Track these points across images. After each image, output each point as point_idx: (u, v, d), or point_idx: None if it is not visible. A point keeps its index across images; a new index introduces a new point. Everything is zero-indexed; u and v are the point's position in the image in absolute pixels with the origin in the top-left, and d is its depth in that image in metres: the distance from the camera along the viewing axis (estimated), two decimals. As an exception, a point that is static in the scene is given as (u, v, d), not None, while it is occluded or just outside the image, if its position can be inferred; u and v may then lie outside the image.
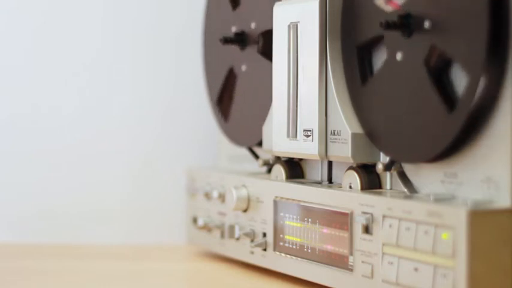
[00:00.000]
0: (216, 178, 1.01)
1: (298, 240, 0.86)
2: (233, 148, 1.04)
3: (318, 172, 0.90)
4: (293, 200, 0.87)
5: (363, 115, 0.81)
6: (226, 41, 0.98)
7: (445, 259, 0.69)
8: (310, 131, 0.85)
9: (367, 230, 0.77)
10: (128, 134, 1.17)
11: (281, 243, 0.88)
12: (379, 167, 0.79)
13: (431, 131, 0.73)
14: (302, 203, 0.85)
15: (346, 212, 0.79)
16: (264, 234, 0.91)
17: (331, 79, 0.83)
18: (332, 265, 0.81)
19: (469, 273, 0.67)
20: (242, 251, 0.95)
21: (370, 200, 0.76)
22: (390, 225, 0.74)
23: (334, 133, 0.83)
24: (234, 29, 0.99)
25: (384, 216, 0.75)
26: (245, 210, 0.94)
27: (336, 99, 0.83)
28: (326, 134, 0.84)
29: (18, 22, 1.15)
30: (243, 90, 0.99)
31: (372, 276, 0.76)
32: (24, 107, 1.15)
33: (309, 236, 0.85)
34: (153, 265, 1.01)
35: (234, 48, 0.99)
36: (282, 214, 0.88)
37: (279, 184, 0.90)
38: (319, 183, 0.89)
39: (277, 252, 0.89)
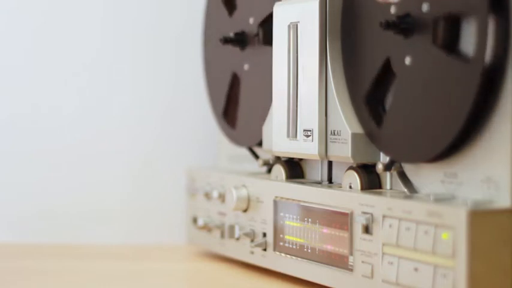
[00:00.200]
0: (216, 178, 1.01)
1: (298, 240, 0.86)
2: (233, 148, 1.04)
3: (318, 172, 0.90)
4: (293, 200, 0.87)
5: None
6: (226, 41, 0.98)
7: (445, 259, 0.69)
8: (310, 131, 0.85)
9: (367, 230, 0.77)
10: (128, 134, 1.17)
11: (281, 243, 0.88)
12: (379, 167, 0.79)
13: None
14: (302, 203, 0.85)
15: (346, 212, 0.79)
16: (264, 234, 0.91)
17: (331, 79, 0.83)
18: (332, 265, 0.81)
19: (469, 273, 0.67)
20: (242, 251, 0.95)
21: (370, 200, 0.76)
22: (390, 225, 0.74)
23: (334, 133, 0.83)
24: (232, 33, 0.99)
25: (383, 216, 0.75)
26: (245, 210, 0.94)
27: (336, 99, 0.83)
28: (326, 134, 0.84)
29: (18, 22, 1.15)
30: (247, 90, 0.99)
31: (372, 276, 0.76)
32: (24, 107, 1.15)
33: (309, 236, 0.85)
34: (153, 265, 1.01)
35: (234, 51, 0.99)
36: (282, 214, 0.88)
37: (279, 184, 0.90)
38: (319, 183, 0.89)
39: (277, 252, 0.89)
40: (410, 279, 0.72)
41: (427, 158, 0.74)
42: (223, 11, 1.02)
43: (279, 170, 0.92)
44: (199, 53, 1.10)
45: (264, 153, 0.96)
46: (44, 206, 1.15)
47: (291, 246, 0.87)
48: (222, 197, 0.98)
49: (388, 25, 0.75)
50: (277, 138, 0.89)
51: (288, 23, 0.87)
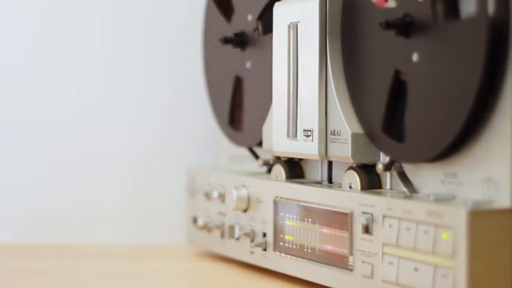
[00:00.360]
0: (216, 178, 1.01)
1: (298, 240, 0.86)
2: (233, 148, 1.04)
3: (318, 172, 0.90)
4: (293, 200, 0.87)
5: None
6: (226, 41, 0.98)
7: (445, 259, 0.69)
8: (310, 131, 0.85)
9: (367, 230, 0.77)
10: (128, 134, 1.17)
11: (281, 243, 0.88)
12: (379, 167, 0.79)
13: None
14: (302, 203, 0.85)
15: (346, 212, 0.79)
16: (264, 234, 0.91)
17: (331, 79, 0.83)
18: (332, 265, 0.81)
19: (469, 273, 0.67)
20: (242, 251, 0.95)
21: (370, 200, 0.76)
22: (390, 225, 0.74)
23: (334, 133, 0.83)
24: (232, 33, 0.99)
25: (383, 216, 0.75)
26: (245, 210, 0.94)
27: (336, 99, 0.83)
28: (326, 134, 0.84)
29: (18, 22, 1.15)
30: (250, 90, 0.99)
31: (372, 276, 0.76)
32: (24, 107, 1.15)
33: (309, 236, 0.85)
34: (153, 265, 1.01)
35: (235, 52, 0.99)
36: (282, 214, 0.88)
37: (279, 184, 0.90)
38: (319, 183, 0.89)
39: (277, 252, 0.89)
40: (410, 279, 0.72)
41: (427, 158, 0.74)
42: (222, 18, 1.02)
43: (279, 170, 0.92)
44: (199, 53, 1.10)
45: (264, 153, 0.96)
46: (44, 206, 1.15)
47: (291, 246, 0.87)
48: (222, 197, 0.98)
49: (388, 25, 0.75)
50: (277, 138, 0.89)
51: (288, 23, 0.87)
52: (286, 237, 0.88)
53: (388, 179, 0.81)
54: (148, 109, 1.17)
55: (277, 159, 0.93)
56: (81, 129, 1.16)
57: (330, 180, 0.88)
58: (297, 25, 0.86)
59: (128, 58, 1.17)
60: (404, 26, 0.75)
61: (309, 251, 0.84)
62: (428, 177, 0.76)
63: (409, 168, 0.78)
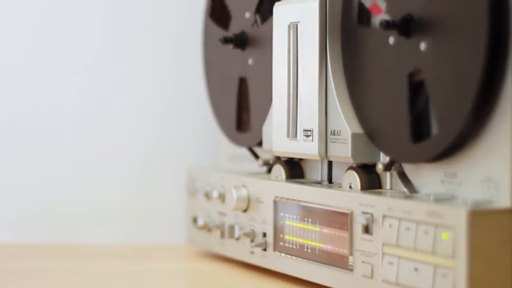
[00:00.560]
0: (216, 178, 1.01)
1: (298, 240, 0.86)
2: (233, 148, 1.04)
3: (318, 172, 0.90)
4: (293, 200, 0.87)
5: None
6: (226, 41, 0.98)
7: (445, 259, 0.69)
8: (310, 131, 0.85)
9: (367, 230, 0.77)
10: (128, 134, 1.17)
11: (281, 243, 0.88)
12: (379, 167, 0.79)
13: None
14: (302, 203, 0.85)
15: (346, 212, 0.79)
16: (264, 234, 0.91)
17: (331, 79, 0.83)
18: (332, 265, 0.81)
19: (469, 273, 0.67)
20: (242, 251, 0.95)
21: (370, 200, 0.76)
22: (390, 225, 0.74)
23: (334, 133, 0.83)
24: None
25: (383, 216, 0.75)
26: (245, 210, 0.94)
27: (336, 99, 0.83)
28: (326, 134, 0.84)
29: (18, 22, 1.15)
30: (254, 88, 0.98)
31: (372, 276, 0.76)
32: (24, 107, 1.15)
33: (309, 236, 0.85)
34: (153, 265, 1.01)
35: (236, 54, 0.99)
36: (282, 214, 0.88)
37: (279, 184, 0.90)
38: (319, 183, 0.89)
39: (277, 252, 0.89)
40: (410, 279, 0.72)
41: (427, 158, 0.74)
42: (219, 29, 1.02)
43: (279, 170, 0.92)
44: (199, 53, 1.10)
45: (264, 153, 0.96)
46: (44, 206, 1.15)
47: (291, 246, 0.87)
48: (222, 197, 0.98)
49: (388, 25, 0.75)
50: (277, 138, 0.89)
51: (288, 23, 0.87)
52: (286, 237, 0.88)
53: (388, 179, 0.81)
54: (148, 109, 1.17)
55: (277, 159, 0.93)
56: (81, 129, 1.16)
57: (330, 180, 0.88)
58: (297, 25, 0.86)
59: (128, 58, 1.17)
60: (404, 26, 0.75)
61: (309, 251, 0.84)
62: (428, 177, 0.76)
63: (409, 168, 0.78)
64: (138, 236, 1.16)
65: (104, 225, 1.15)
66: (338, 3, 0.83)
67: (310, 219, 0.84)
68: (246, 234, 0.93)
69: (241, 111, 1.01)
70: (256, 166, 0.98)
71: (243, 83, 1.00)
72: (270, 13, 0.92)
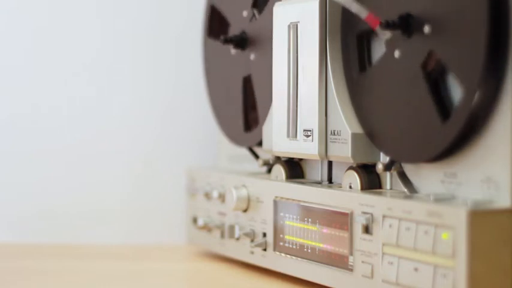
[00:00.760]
0: (216, 178, 1.01)
1: (298, 240, 0.86)
2: (233, 148, 1.04)
3: (318, 172, 0.90)
4: (293, 200, 0.87)
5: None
6: (226, 40, 0.98)
7: (445, 259, 0.69)
8: (310, 131, 0.85)
9: (367, 230, 0.77)
10: (128, 134, 1.17)
11: (281, 243, 0.88)
12: (379, 167, 0.79)
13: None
14: (302, 203, 0.85)
15: (346, 212, 0.79)
16: (264, 234, 0.91)
17: (331, 79, 0.83)
18: (332, 265, 0.81)
19: (469, 273, 0.67)
20: (242, 251, 0.95)
21: (370, 200, 0.76)
22: (390, 225, 0.74)
23: (334, 133, 0.83)
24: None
25: (383, 216, 0.75)
26: (245, 210, 0.94)
27: (336, 99, 0.82)
28: (326, 134, 0.84)
29: (18, 22, 1.15)
30: (258, 84, 0.98)
31: (372, 276, 0.76)
32: (24, 107, 1.15)
33: (309, 236, 0.85)
34: (153, 265, 1.01)
35: (237, 54, 0.99)
36: (282, 214, 0.88)
37: (279, 184, 0.90)
38: (319, 183, 0.89)
39: (277, 252, 0.89)
40: (410, 279, 0.72)
41: (427, 158, 0.74)
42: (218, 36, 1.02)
43: (279, 170, 0.92)
44: (199, 53, 1.10)
45: (264, 153, 0.96)
46: (44, 206, 1.15)
47: (291, 246, 0.87)
48: (222, 197, 0.98)
49: (388, 25, 0.75)
50: (277, 138, 0.89)
51: (288, 23, 0.87)
52: (286, 237, 0.88)
53: (388, 179, 0.81)
54: (148, 109, 1.17)
55: (277, 159, 0.93)
56: (81, 129, 1.16)
57: (330, 180, 0.88)
58: (297, 25, 0.86)
59: (128, 58, 1.17)
60: (404, 26, 0.75)
61: (309, 251, 0.84)
62: (428, 177, 0.76)
63: (409, 168, 0.78)
64: (138, 236, 1.16)
65: (104, 225, 1.15)
66: (338, 3, 0.83)
67: (310, 219, 0.84)
68: (246, 234, 0.93)
69: (247, 110, 1.01)
70: (256, 166, 0.98)
71: (247, 82, 1.00)
72: (265, 4, 0.92)
